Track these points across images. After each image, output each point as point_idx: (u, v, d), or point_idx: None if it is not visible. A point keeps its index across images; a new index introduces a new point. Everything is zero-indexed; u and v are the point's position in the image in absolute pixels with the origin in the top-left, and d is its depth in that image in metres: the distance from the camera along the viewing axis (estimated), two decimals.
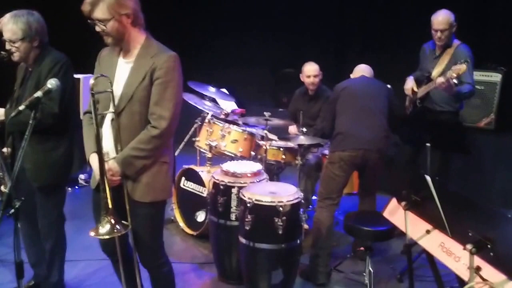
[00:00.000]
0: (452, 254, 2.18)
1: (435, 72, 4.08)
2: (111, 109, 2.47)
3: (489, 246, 1.94)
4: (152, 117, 2.45)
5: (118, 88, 2.49)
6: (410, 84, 4.33)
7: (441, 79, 3.76)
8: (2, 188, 2.85)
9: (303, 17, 6.47)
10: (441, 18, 3.97)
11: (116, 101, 2.47)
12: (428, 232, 2.35)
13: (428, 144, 3.60)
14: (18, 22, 2.79)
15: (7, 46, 2.84)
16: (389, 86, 4.07)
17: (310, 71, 4.72)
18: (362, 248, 3.64)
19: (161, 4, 6.11)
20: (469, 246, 1.97)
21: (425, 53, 4.32)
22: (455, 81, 3.67)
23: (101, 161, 2.41)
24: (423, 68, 4.30)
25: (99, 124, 2.49)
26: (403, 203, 2.46)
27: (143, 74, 2.44)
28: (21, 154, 2.15)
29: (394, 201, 2.70)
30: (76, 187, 5.50)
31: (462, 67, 3.64)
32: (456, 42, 4.08)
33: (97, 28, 2.43)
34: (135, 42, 2.51)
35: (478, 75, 4.96)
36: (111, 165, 2.44)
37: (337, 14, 6.33)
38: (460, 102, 4.17)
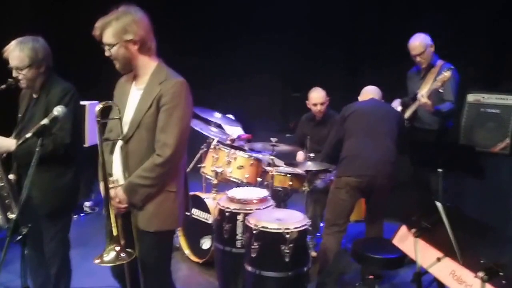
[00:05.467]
0: (463, 282, 2.13)
1: (421, 92, 4.13)
2: (120, 136, 2.47)
3: (501, 273, 1.90)
4: (157, 145, 2.43)
5: (128, 114, 2.50)
6: (395, 105, 4.39)
7: (422, 99, 3.90)
8: (9, 215, 2.83)
9: (311, 40, 6.47)
10: (415, 44, 4.16)
11: (127, 128, 2.47)
12: (438, 259, 2.30)
13: (440, 170, 3.54)
14: (24, 49, 2.79)
15: (14, 74, 2.83)
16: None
17: (316, 98, 4.70)
18: (371, 277, 3.57)
19: (166, 34, 6.18)
20: (480, 274, 1.93)
21: (411, 78, 4.46)
22: (440, 90, 3.87)
23: (106, 188, 2.40)
24: (411, 92, 4.41)
25: (110, 151, 2.51)
26: (413, 230, 2.42)
27: (151, 100, 2.43)
28: (29, 182, 2.14)
29: (403, 228, 2.66)
30: (81, 214, 5.46)
31: (447, 74, 3.79)
32: (440, 62, 4.19)
33: (106, 53, 2.47)
34: (146, 69, 2.51)
35: (493, 98, 4.88)
36: (118, 192, 2.44)
37: (347, 33, 6.34)
38: (447, 120, 4.25)
